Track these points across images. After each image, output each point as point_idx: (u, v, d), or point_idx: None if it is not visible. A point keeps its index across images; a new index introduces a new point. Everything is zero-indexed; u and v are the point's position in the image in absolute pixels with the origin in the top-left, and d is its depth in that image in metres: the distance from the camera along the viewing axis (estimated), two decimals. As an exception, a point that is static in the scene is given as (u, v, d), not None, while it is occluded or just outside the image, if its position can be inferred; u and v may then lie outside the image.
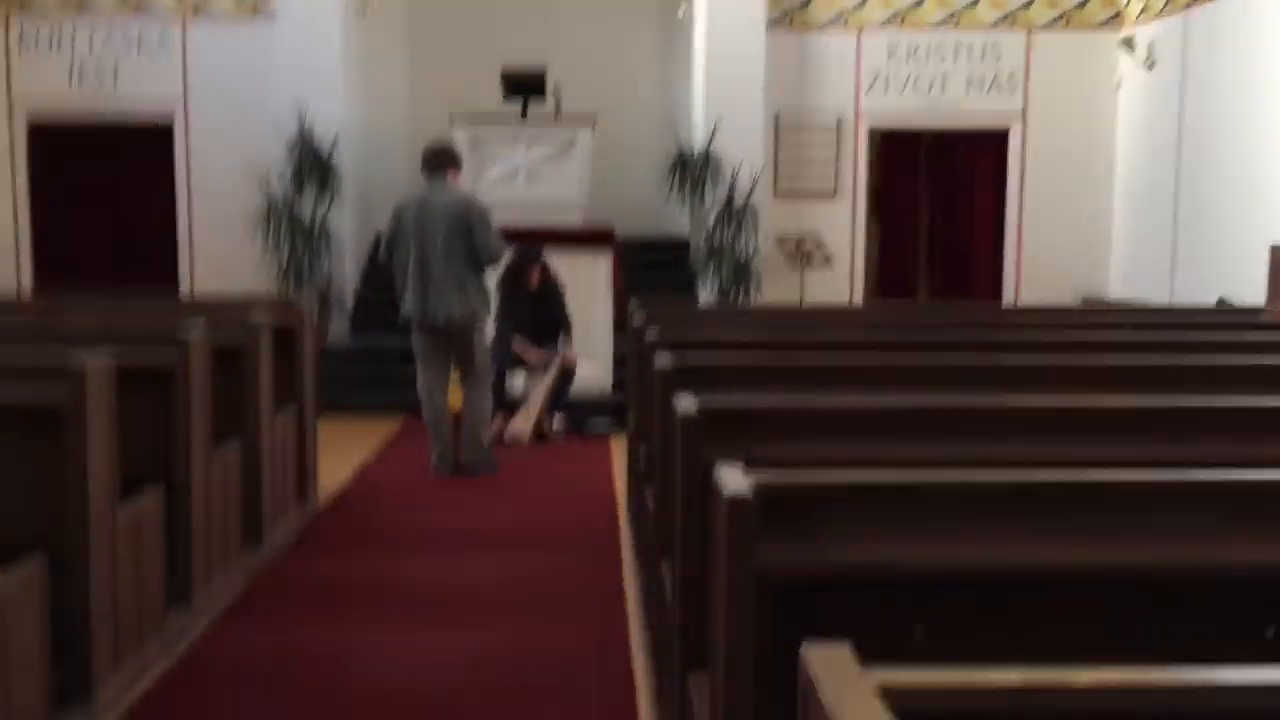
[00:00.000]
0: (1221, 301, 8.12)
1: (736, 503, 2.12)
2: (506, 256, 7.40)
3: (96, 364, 3.62)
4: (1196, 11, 9.43)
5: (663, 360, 3.91)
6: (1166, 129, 9.91)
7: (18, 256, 10.73)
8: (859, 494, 2.32)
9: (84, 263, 10.91)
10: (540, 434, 7.99)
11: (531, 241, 8.21)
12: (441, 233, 6.69)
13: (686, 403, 3.07)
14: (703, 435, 2.99)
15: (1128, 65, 10.58)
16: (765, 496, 2.17)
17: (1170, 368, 4.30)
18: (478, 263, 6.81)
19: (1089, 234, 11.06)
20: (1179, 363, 4.41)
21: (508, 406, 8.10)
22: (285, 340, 5.81)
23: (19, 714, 3.16)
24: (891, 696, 1.27)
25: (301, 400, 6.02)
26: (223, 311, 5.47)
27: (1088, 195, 11.04)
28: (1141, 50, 10.34)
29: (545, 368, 8.02)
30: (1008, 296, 11.13)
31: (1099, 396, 3.67)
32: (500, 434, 7.81)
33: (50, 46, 10.62)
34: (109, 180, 10.96)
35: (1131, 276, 10.63)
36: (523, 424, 7.95)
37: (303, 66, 10.07)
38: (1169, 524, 2.34)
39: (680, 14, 11.08)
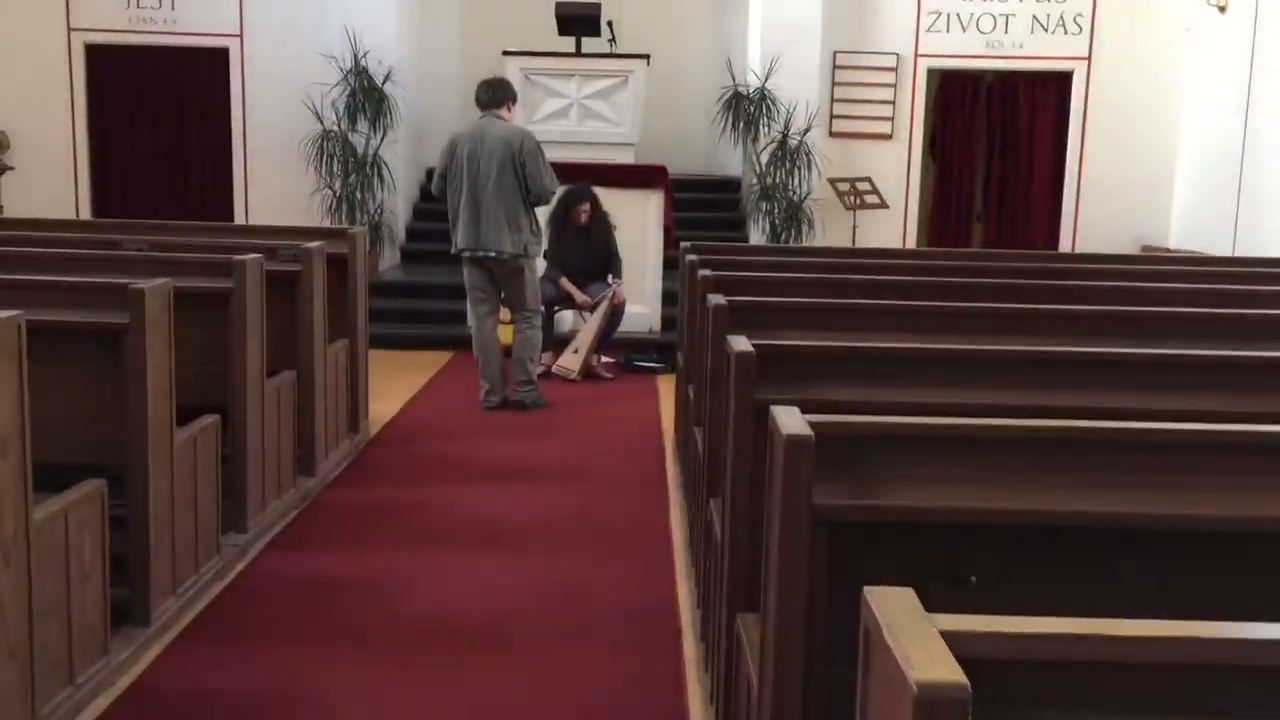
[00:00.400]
0: (1286, 254, 7.93)
1: (795, 443, 2.11)
2: (559, 193, 7.38)
3: (155, 286, 3.66)
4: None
5: (715, 300, 3.88)
6: (1237, 75, 9.64)
7: (75, 181, 10.85)
8: (914, 439, 2.30)
9: (140, 188, 11.03)
10: (589, 370, 8.01)
11: (583, 177, 8.17)
12: (494, 167, 6.67)
13: (740, 343, 3.06)
14: (755, 375, 2.97)
15: (1198, 8, 10.27)
16: (822, 438, 2.15)
17: (1229, 317, 4.21)
18: (529, 198, 6.79)
19: (1151, 183, 10.83)
20: (1239, 313, 4.32)
21: (556, 343, 8.12)
22: (338, 271, 5.84)
23: (79, 631, 3.25)
24: (954, 641, 1.27)
25: (353, 331, 6.07)
26: (277, 239, 5.50)
27: (1152, 142, 10.79)
28: (1214, -8, 10.03)
29: (593, 308, 8.02)
30: (1065, 244, 10.96)
31: (1157, 344, 3.61)
32: (549, 369, 7.85)
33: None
34: (165, 107, 11.03)
35: (1193, 228, 10.41)
36: (571, 360, 7.97)
37: (358, 5, 10.04)
38: (1222, 476, 2.31)
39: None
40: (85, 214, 10.70)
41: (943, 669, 1.21)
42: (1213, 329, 4.07)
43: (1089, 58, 10.78)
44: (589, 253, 8.09)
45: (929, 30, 10.83)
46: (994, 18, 10.78)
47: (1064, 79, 10.89)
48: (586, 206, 7.98)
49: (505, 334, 7.15)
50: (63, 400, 3.58)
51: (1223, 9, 9.94)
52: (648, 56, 9.69)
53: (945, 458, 2.29)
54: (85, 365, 3.65)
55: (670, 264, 8.13)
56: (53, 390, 3.44)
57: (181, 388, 3.89)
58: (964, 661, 1.24)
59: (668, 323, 8.52)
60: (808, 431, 2.13)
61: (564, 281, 8.01)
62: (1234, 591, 2.25)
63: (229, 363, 4.50)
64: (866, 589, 1.38)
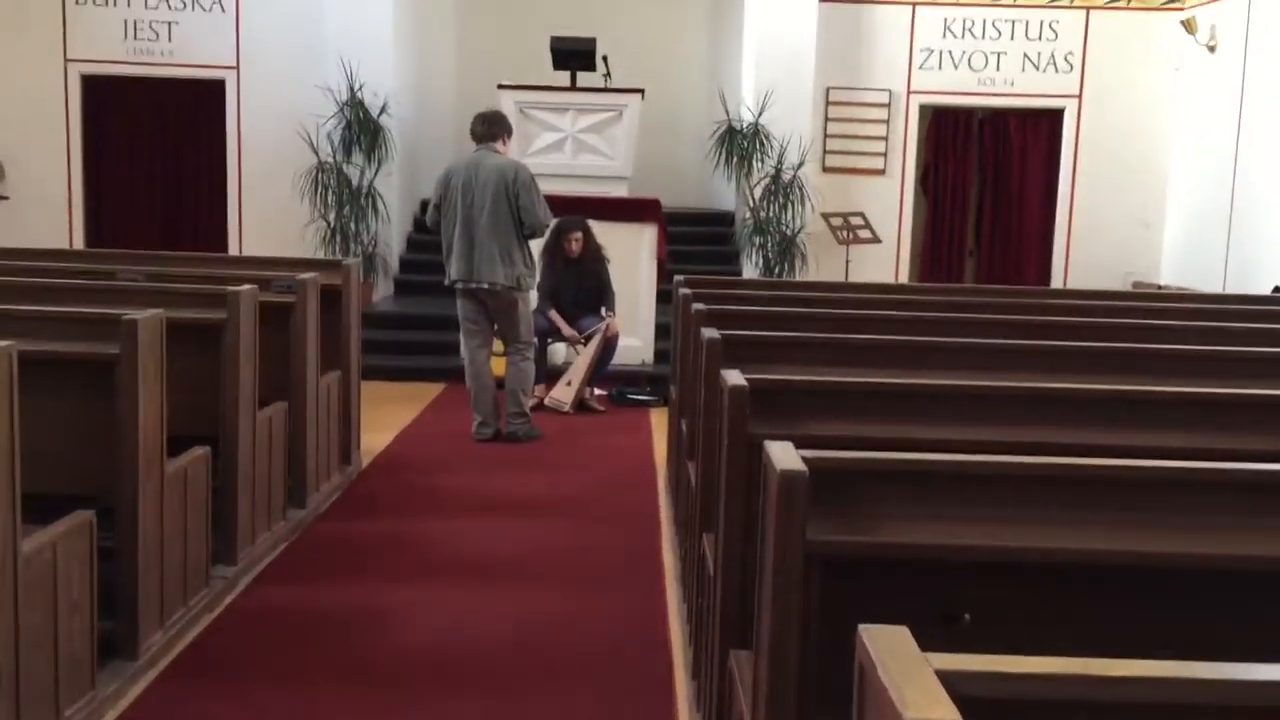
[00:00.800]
0: (1277, 290, 7.98)
1: (788, 479, 2.11)
2: (551, 225, 7.40)
3: (147, 317, 3.66)
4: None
5: (709, 334, 3.89)
6: (1226, 114, 9.72)
7: (70, 211, 10.86)
8: (909, 475, 2.29)
9: (135, 218, 11.04)
10: (581, 403, 8.00)
11: (577, 210, 8.19)
12: (488, 198, 6.69)
13: (734, 377, 3.06)
14: (749, 410, 2.97)
15: (1188, 47, 10.37)
16: (816, 474, 2.15)
17: (1222, 355, 4.23)
18: (523, 230, 6.81)
19: (1142, 219, 10.90)
20: (1231, 351, 4.33)
21: (549, 375, 8.11)
22: (331, 302, 5.84)
23: (65, 664, 3.22)
24: (949, 680, 1.26)
25: (346, 363, 6.06)
26: (271, 271, 5.50)
27: (1142, 179, 10.88)
28: (1203, 32, 10.14)
29: (585, 340, 8.01)
30: (1056, 279, 11.01)
31: (1152, 381, 3.62)
32: (541, 402, 7.84)
33: (106, 3, 10.69)
34: (161, 137, 11.06)
35: (1184, 264, 10.46)
36: (564, 392, 7.96)
37: (355, 29, 10.11)
38: (1223, 514, 2.30)
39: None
40: (79, 244, 10.70)
41: (938, 708, 1.21)
42: (1210, 367, 4.08)
43: (1079, 95, 10.88)
44: (581, 285, 8.10)
45: (921, 67, 10.92)
46: (985, 55, 10.88)
47: (1055, 116, 10.98)
48: (578, 235, 7.99)
49: (498, 366, 7.14)
50: (53, 430, 3.56)
51: (1212, 48, 10.04)
52: (642, 91, 9.76)
53: (940, 495, 2.29)
54: (76, 396, 3.64)
55: (664, 297, 8.14)
56: (43, 420, 3.43)
57: (172, 417, 3.88)
58: (960, 701, 1.23)
59: (661, 355, 8.53)
60: (801, 467, 2.12)
61: (553, 314, 8.01)
62: (1238, 630, 2.24)
63: (221, 393, 4.48)
64: (861, 627, 1.38)
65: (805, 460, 2.16)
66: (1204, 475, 2.36)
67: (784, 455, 2.18)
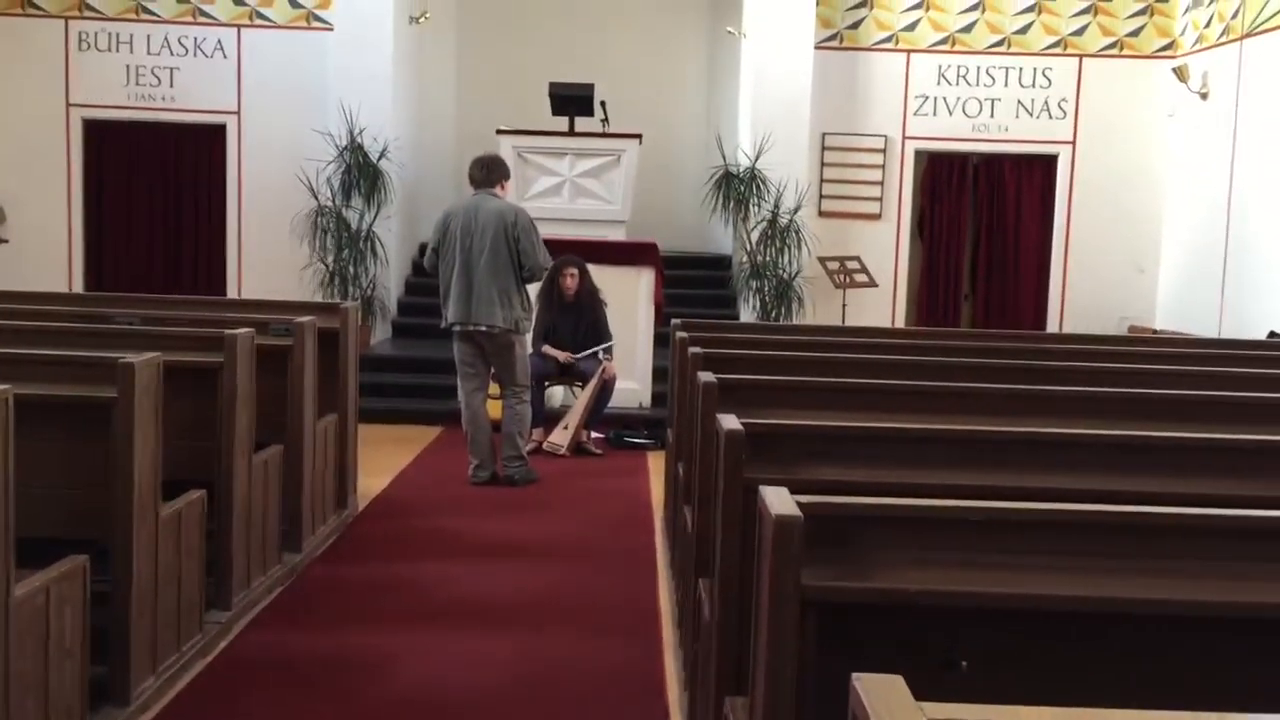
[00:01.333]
0: (1273, 335, 8.00)
1: (784, 524, 2.10)
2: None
3: (145, 361, 3.66)
4: (1252, 41, 9.31)
5: (705, 377, 3.89)
6: (1219, 160, 9.79)
7: (70, 254, 10.89)
8: (905, 521, 2.29)
9: (135, 262, 11.07)
10: (578, 446, 7.98)
11: (575, 253, 8.22)
12: (488, 242, 6.72)
13: (729, 421, 3.06)
14: (745, 455, 2.97)
15: (1181, 94, 10.46)
16: (812, 519, 2.14)
17: (1220, 401, 4.23)
18: (523, 274, 6.83)
19: (1136, 263, 10.95)
20: (1228, 397, 4.33)
21: (547, 418, 8.10)
22: (329, 345, 5.84)
23: (56, 710, 3.19)
24: (944, 729, 1.25)
25: (344, 406, 6.05)
26: (269, 314, 5.51)
27: (1136, 224, 10.94)
28: (1195, 79, 10.23)
29: (579, 363, 8.00)
30: (1052, 323, 11.03)
31: (1148, 427, 3.62)
32: (539, 445, 7.83)
33: (109, 49, 10.79)
34: (162, 181, 11.12)
35: (1179, 308, 10.49)
36: (561, 436, 7.95)
37: (355, 75, 10.20)
38: (1223, 560, 2.30)
39: (731, 29, 11.09)
40: (79, 287, 10.73)
41: (933, 758, 1.20)
42: (1211, 412, 4.07)
43: (1073, 141, 10.96)
44: (578, 326, 8.10)
45: (916, 113, 11.01)
46: (980, 102, 10.98)
47: (1049, 161, 11.05)
48: (574, 271, 7.99)
49: (494, 409, 7.14)
50: (49, 473, 3.56)
51: (1204, 95, 10.13)
52: (639, 136, 9.82)
53: (936, 540, 2.28)
54: (73, 439, 3.63)
55: (662, 339, 8.15)
56: (39, 464, 3.42)
57: (168, 461, 3.87)
58: (954, 750, 1.22)
59: (658, 399, 8.52)
60: (796, 513, 2.12)
61: (546, 347, 8.01)
62: (1239, 678, 2.22)
63: (217, 437, 4.48)
64: (854, 676, 1.37)
65: (800, 505, 2.16)
66: (1204, 521, 2.35)
67: (779, 500, 2.17)
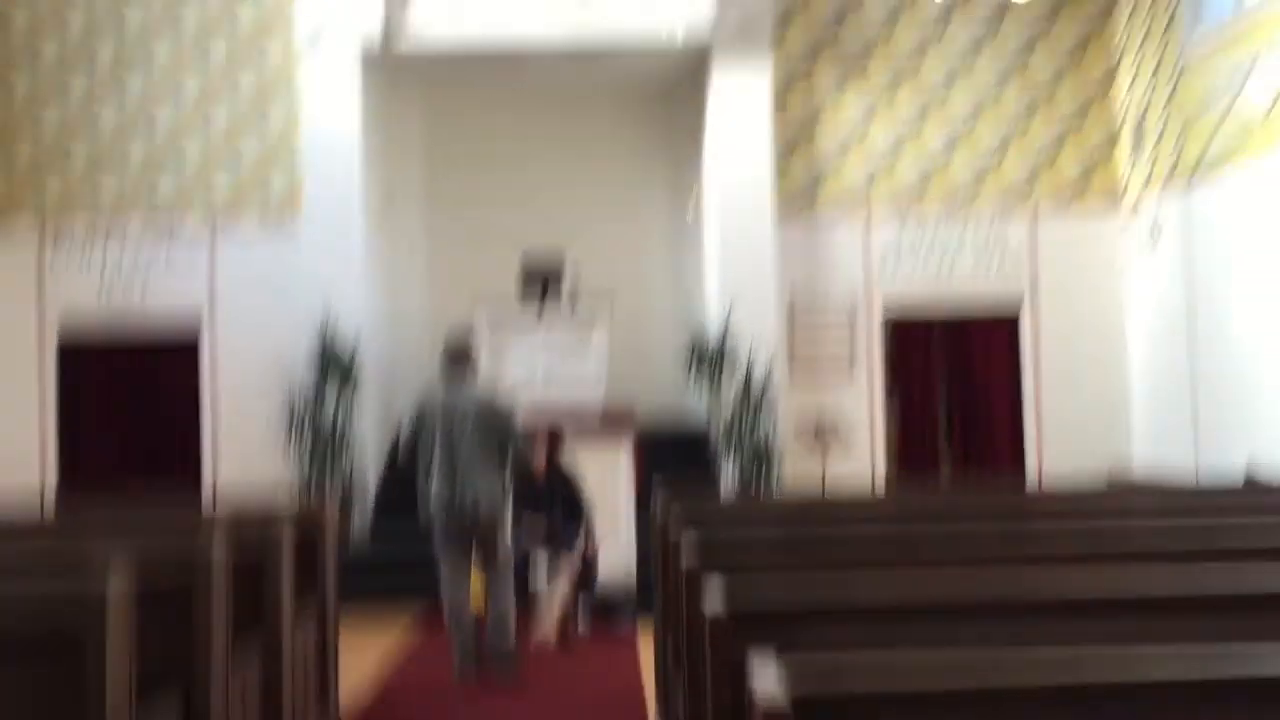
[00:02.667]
0: (1251, 461, 8.05)
1: (773, 713, 2.05)
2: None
3: (116, 592, 3.57)
4: (1199, 186, 9.63)
5: (689, 563, 3.84)
6: (1175, 307, 10.03)
7: (43, 471, 10.84)
8: (901, 701, 2.24)
9: (109, 473, 10.97)
10: (564, 632, 7.80)
11: (549, 421, 8.23)
12: (469, 429, 6.76)
13: (714, 603, 3.01)
14: (732, 637, 2.91)
15: (1132, 240, 10.76)
16: (800, 704, 2.09)
17: (1208, 554, 4.17)
18: (505, 459, 6.87)
19: (1108, 406, 11.06)
20: (1220, 550, 4.27)
21: (529, 603, 7.92)
22: (308, 548, 5.76)
23: None
24: None
25: (323, 608, 5.93)
26: (245, 522, 5.43)
27: (1103, 370, 11.09)
28: (1145, 224, 10.54)
29: (567, 546, 7.89)
30: (1030, 467, 11.06)
31: (1136, 577, 3.56)
32: (528, 641, 7.59)
33: (81, 269, 11.01)
34: (135, 395, 11.14)
35: (1156, 441, 10.57)
36: (547, 626, 7.77)
37: (326, 274, 10.45)
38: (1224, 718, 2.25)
39: (689, 217, 11.44)
40: (50, 498, 10.61)
41: None
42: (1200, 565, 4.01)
43: (1032, 296, 11.17)
44: (553, 504, 8.00)
45: (880, 275, 11.22)
46: (939, 264, 11.18)
47: (1011, 322, 11.24)
48: (542, 443, 7.94)
49: (476, 598, 7.00)
50: (14, 710, 3.43)
51: (1155, 240, 10.42)
52: (611, 306, 10.10)
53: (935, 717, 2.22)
54: (39, 674, 3.52)
55: (644, 505, 8.08)
56: (3, 700, 3.31)
57: (142, 676, 3.75)
58: None
59: (645, 560, 8.41)
60: (783, 702, 2.07)
61: (526, 518, 7.87)
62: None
63: (191, 648, 4.34)
64: None
65: (790, 688, 2.11)
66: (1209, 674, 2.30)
67: (767, 684, 2.13)
